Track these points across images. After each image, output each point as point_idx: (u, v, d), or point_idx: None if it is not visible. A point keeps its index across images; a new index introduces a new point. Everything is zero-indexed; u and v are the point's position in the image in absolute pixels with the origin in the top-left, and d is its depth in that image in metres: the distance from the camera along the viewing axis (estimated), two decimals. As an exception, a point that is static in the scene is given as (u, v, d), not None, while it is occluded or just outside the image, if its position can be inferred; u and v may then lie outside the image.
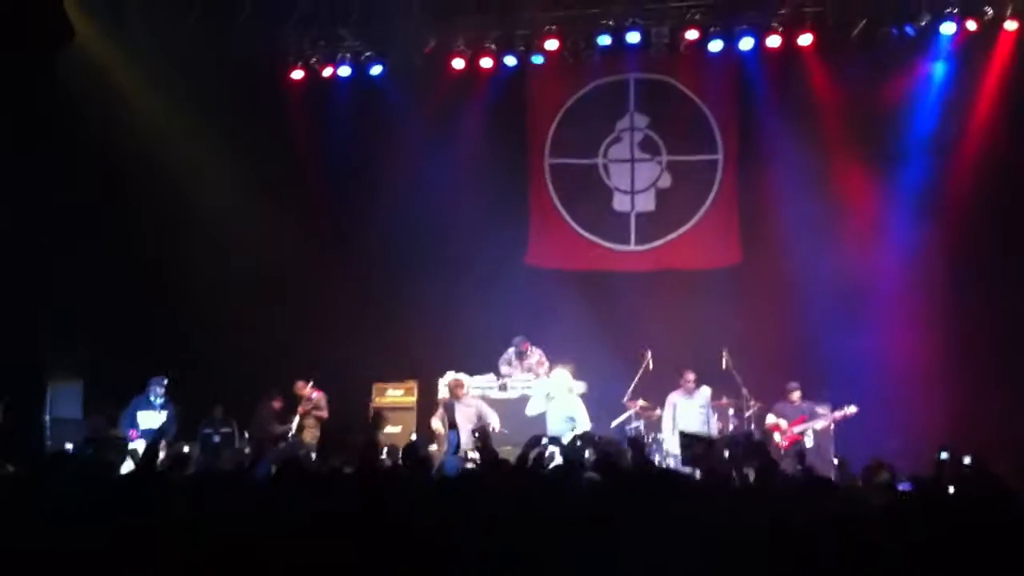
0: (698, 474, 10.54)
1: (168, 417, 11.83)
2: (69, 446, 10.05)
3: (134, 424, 11.81)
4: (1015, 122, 12.28)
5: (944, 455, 5.39)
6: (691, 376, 11.97)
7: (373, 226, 13.87)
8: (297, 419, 12.77)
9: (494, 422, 10.98)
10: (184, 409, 12.29)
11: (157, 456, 7.19)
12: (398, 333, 13.24)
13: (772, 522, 3.92)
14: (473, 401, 11.51)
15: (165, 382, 12.04)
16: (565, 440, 10.25)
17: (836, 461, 11.42)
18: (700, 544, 3.44)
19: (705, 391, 11.99)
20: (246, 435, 12.16)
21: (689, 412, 11.83)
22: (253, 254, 13.31)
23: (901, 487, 5.87)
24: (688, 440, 11.27)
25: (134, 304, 12.81)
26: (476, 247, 13.41)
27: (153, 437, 9.34)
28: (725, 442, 10.68)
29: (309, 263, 13.64)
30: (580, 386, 12.63)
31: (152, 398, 12.03)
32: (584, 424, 10.92)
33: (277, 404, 13.05)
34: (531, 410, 11.59)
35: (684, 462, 11.56)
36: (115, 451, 8.55)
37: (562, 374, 11.41)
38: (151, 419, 11.84)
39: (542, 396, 11.45)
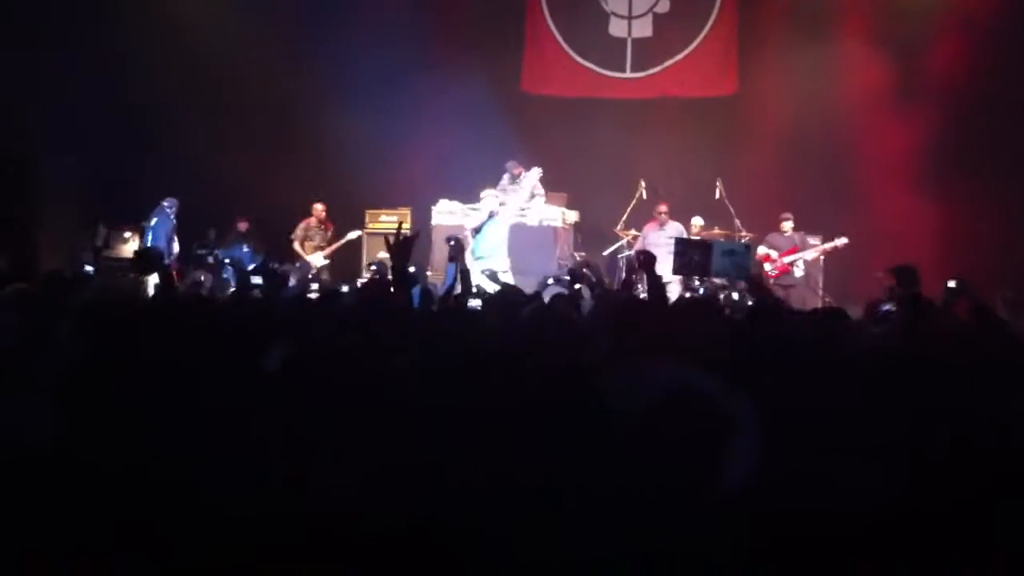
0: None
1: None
2: None
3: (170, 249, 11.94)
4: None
5: (952, 284, 5.42)
6: (663, 208, 11.91)
7: (364, 48, 13.45)
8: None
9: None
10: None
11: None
12: (390, 160, 13.06)
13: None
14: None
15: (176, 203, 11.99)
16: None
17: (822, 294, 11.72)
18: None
19: (676, 226, 11.86)
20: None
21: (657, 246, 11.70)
22: (246, 76, 12.88)
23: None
24: (682, 247, 11.24)
25: (117, 122, 12.58)
26: (469, 73, 13.05)
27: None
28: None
29: (298, 90, 13.29)
30: (572, 215, 12.69)
31: (175, 220, 11.98)
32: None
33: (243, 225, 13.14)
34: (470, 223, 11.25)
35: (675, 271, 11.54)
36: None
37: (491, 194, 11.18)
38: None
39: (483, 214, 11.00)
